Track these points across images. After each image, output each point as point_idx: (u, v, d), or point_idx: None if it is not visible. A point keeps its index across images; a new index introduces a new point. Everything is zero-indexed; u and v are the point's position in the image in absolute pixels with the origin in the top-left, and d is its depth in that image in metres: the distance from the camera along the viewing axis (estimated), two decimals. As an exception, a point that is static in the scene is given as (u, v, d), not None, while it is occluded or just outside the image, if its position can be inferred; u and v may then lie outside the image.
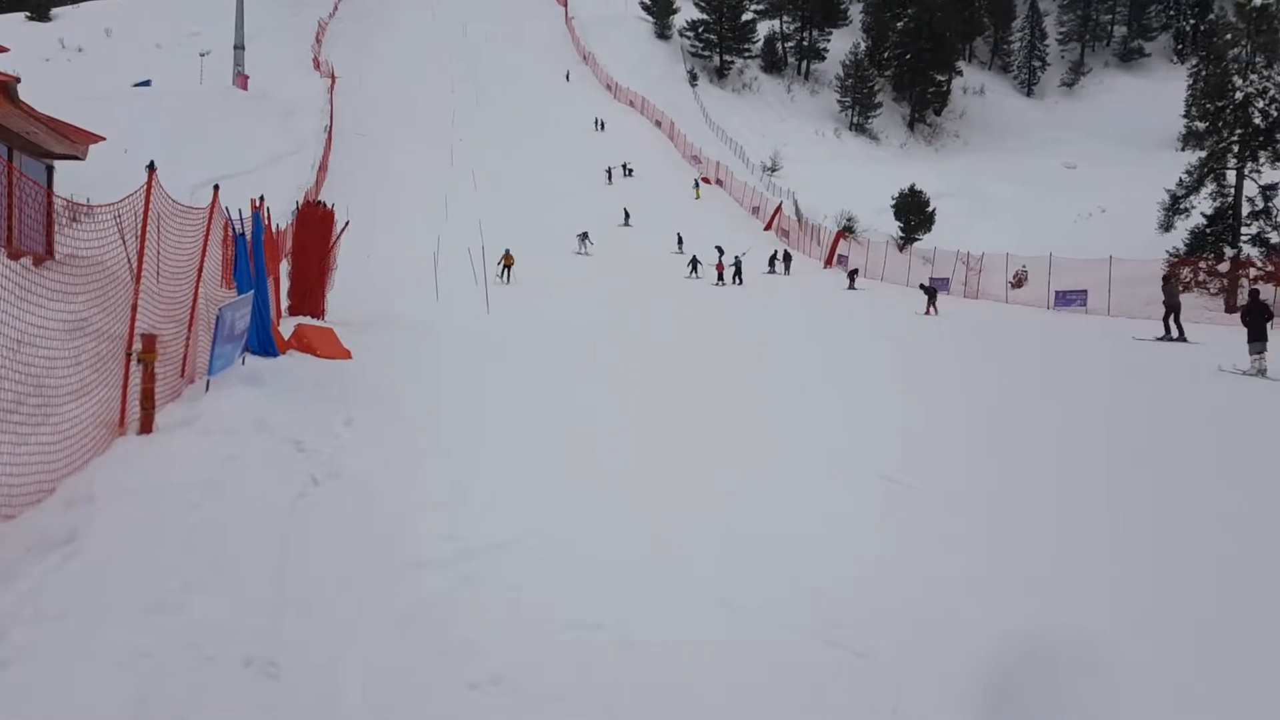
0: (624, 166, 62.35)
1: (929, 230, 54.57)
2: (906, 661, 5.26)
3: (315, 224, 20.05)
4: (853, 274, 40.16)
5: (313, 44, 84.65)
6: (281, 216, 26.53)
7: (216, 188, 11.76)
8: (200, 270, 10.67)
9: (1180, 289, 22.37)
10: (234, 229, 13.38)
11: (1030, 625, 5.76)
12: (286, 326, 15.33)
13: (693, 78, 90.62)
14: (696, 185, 61.22)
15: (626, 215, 52.14)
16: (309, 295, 19.18)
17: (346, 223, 21.57)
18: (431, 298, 26.44)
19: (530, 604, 5.67)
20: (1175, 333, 22.39)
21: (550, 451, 9.25)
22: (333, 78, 72.28)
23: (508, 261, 35.34)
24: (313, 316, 18.34)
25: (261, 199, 15.06)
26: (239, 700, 4.42)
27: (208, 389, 9.71)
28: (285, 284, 19.39)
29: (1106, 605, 6.13)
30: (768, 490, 8.35)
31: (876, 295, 36.42)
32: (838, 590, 6.14)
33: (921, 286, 32.04)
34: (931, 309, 29.63)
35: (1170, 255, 36.81)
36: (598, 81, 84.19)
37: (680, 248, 46.18)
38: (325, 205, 21.54)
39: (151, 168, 8.24)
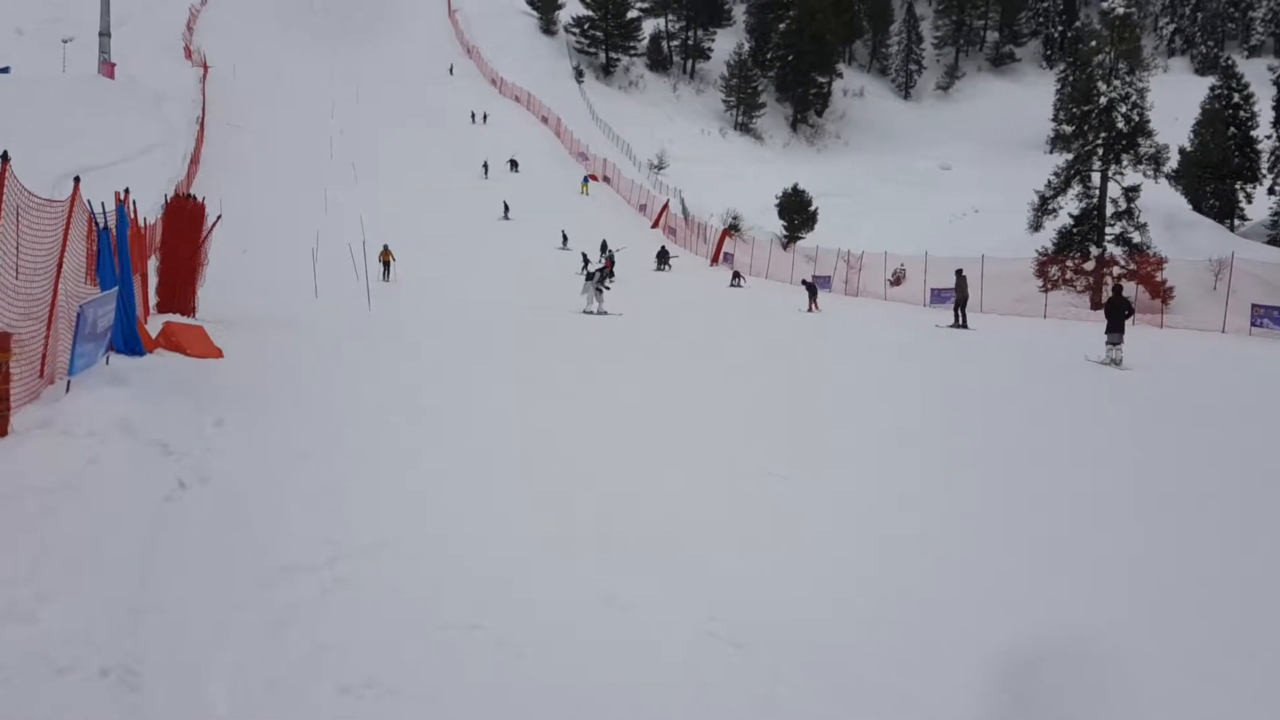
0: (509, 161, 61.86)
1: (811, 229, 55.62)
2: (782, 651, 5.35)
3: (185, 218, 19.35)
4: (736, 274, 40.71)
5: (184, 31, 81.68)
6: (150, 210, 25.54)
7: (77, 180, 11.25)
8: (60, 266, 10.19)
9: (968, 285, 26.47)
10: (97, 223, 12.82)
11: (907, 614, 5.92)
12: (155, 324, 14.77)
13: (579, 74, 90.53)
14: (585, 182, 61.11)
15: (506, 208, 51.52)
16: (179, 292, 18.52)
17: (219, 217, 20.89)
18: (310, 294, 25.79)
19: (407, 606, 5.57)
20: (961, 320, 25.87)
21: (430, 450, 9.10)
22: (205, 67, 69.88)
23: (386, 258, 34.67)
24: (183, 314, 17.70)
25: (127, 192, 14.50)
26: (95, 712, 4.23)
27: (68, 389, 9.29)
28: (154, 280, 18.71)
29: (978, 592, 6.35)
30: (651, 487, 8.38)
31: (760, 292, 36.94)
32: (717, 584, 6.21)
33: (804, 283, 32.64)
34: (813, 306, 30.21)
35: (1039, 254, 38.22)
36: (482, 76, 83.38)
37: (565, 244, 46.00)
38: (196, 199, 20.82)
39: (5, 158, 7.83)
